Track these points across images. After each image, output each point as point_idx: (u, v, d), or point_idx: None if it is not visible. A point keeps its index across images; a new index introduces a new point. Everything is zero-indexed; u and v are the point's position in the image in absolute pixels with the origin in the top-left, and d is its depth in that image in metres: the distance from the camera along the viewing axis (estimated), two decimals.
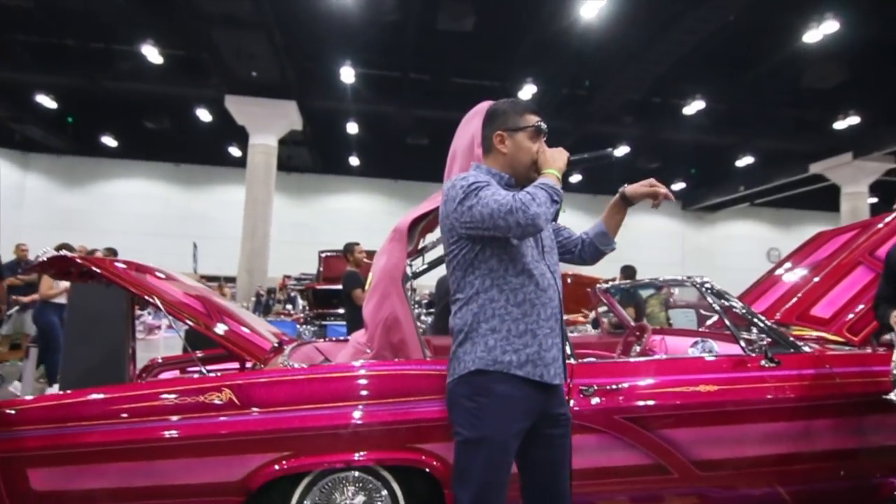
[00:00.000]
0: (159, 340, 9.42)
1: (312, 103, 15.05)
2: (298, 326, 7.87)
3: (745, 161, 18.34)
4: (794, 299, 2.72)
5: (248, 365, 2.27)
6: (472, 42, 11.85)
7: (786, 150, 17.18)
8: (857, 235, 2.81)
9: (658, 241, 23.25)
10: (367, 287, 2.31)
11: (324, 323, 7.74)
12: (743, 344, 2.24)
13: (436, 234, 2.16)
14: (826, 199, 18.72)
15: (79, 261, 2.01)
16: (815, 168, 17.16)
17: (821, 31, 10.47)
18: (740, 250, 23.95)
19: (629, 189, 1.94)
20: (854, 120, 14.27)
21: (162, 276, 2.28)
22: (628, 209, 2.01)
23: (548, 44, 11.84)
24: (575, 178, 19.01)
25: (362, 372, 2.03)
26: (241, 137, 15.57)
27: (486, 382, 1.67)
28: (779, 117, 15.28)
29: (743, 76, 13.20)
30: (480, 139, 1.87)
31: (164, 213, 21.88)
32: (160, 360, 2.85)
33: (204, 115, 16.34)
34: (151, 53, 12.62)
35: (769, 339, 2.22)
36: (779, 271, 3.22)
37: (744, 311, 2.32)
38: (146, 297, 1.97)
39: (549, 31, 11.29)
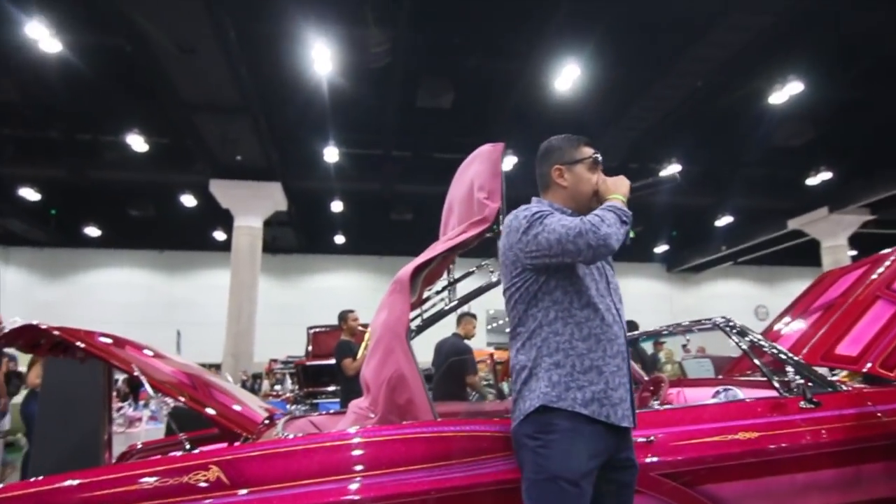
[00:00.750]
0: (140, 433, 8.97)
1: (297, 184, 15.18)
2: (288, 406, 7.53)
3: (724, 221, 18.64)
4: (815, 339, 2.61)
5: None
6: (451, 118, 12.15)
7: (763, 207, 17.52)
8: (868, 271, 2.75)
9: (647, 304, 23.21)
10: (363, 350, 2.17)
11: (315, 401, 7.41)
12: (777, 385, 2.09)
13: (440, 285, 2.04)
14: (807, 254, 18.94)
15: (50, 331, 1.84)
16: (793, 224, 17.46)
17: (786, 92, 10.89)
18: (728, 309, 23.80)
19: None
20: (826, 175, 14.65)
21: (150, 353, 2.12)
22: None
23: (525, 116, 12.18)
24: None
25: (369, 439, 1.82)
26: (226, 221, 15.56)
27: (550, 419, 1.57)
28: (753, 176, 15.66)
29: (716, 138, 13.61)
30: (482, 182, 1.80)
31: (148, 300, 21.50)
32: (140, 446, 2.62)
33: (188, 200, 16.38)
34: (136, 142, 12.76)
35: (804, 379, 2.08)
36: (789, 316, 3.12)
37: (773, 350, 2.19)
38: (127, 370, 1.79)
39: (526, 103, 11.65)
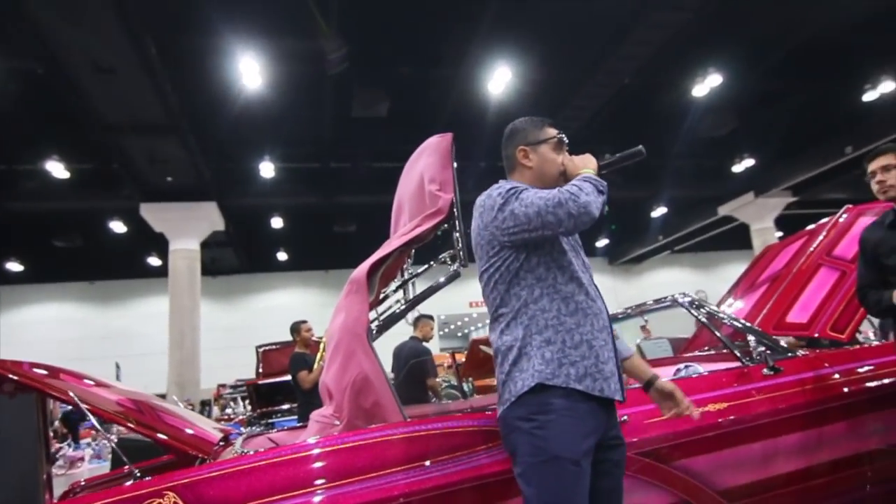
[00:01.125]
0: (83, 473, 8.44)
1: (233, 202, 14.75)
2: (243, 428, 7.22)
3: (659, 211, 19.30)
4: (765, 310, 2.69)
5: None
6: (387, 127, 12.08)
7: (694, 196, 18.23)
8: (807, 242, 2.86)
9: None
10: (318, 361, 2.07)
11: (270, 421, 7.15)
12: (738, 353, 2.13)
13: (398, 282, 1.97)
14: (738, 238, 19.81)
15: None
16: (723, 210, 18.26)
17: (706, 84, 11.39)
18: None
19: (657, 388, 1.79)
20: (750, 162, 15.40)
21: (90, 382, 1.96)
22: None
23: (461, 120, 12.23)
24: None
25: (337, 446, 1.70)
26: (161, 245, 14.95)
27: (545, 399, 1.51)
28: (683, 167, 16.27)
29: (645, 132, 14.03)
30: (433, 174, 1.75)
31: (83, 335, 20.40)
32: (83, 483, 2.42)
33: (118, 226, 15.66)
34: (57, 169, 12.12)
35: (765, 347, 2.13)
36: (738, 291, 3.22)
37: (731, 320, 2.24)
38: (64, 399, 1.64)
39: (461, 107, 11.71)
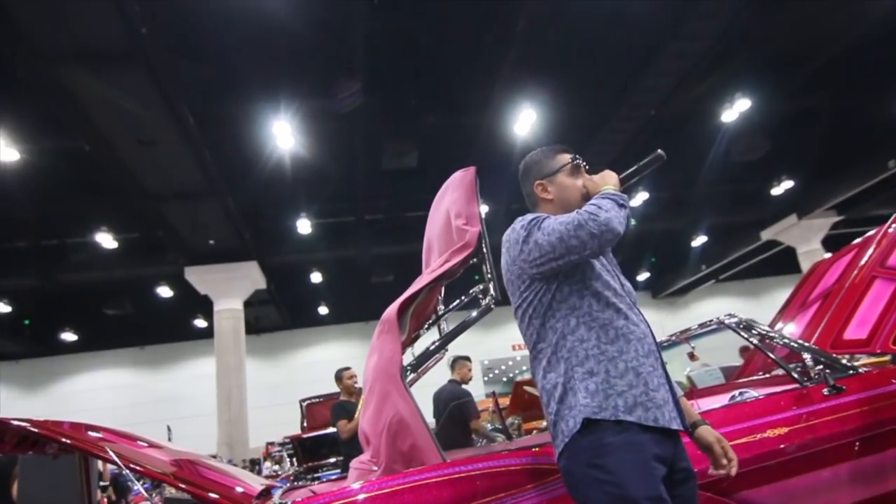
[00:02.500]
0: None
1: (273, 260, 15.08)
2: (289, 483, 7.10)
3: (700, 240, 18.88)
4: (820, 329, 2.54)
5: None
6: (418, 176, 12.25)
7: (734, 222, 17.82)
8: (857, 255, 2.73)
9: None
10: (360, 407, 2.03)
11: (316, 475, 7.05)
12: (796, 375, 2.00)
13: (432, 319, 1.93)
14: (785, 262, 19.18)
15: (13, 424, 1.68)
16: (766, 235, 17.75)
17: (735, 109, 11.28)
18: None
19: (697, 436, 1.64)
20: (789, 183, 15.03)
21: (138, 442, 1.97)
22: None
23: (490, 164, 12.33)
24: None
25: (374, 492, 1.64)
26: (206, 307, 15.29)
27: (600, 438, 1.42)
28: (720, 194, 15.98)
29: (677, 162, 13.90)
30: (459, 209, 1.74)
31: (134, 400, 20.79)
32: None
33: (165, 291, 16.13)
34: (105, 240, 12.64)
35: (824, 365, 1.99)
36: (788, 311, 3.07)
37: (784, 340, 2.11)
38: (101, 456, 1.63)
39: (489, 152, 11.84)
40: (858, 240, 2.88)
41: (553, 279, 1.58)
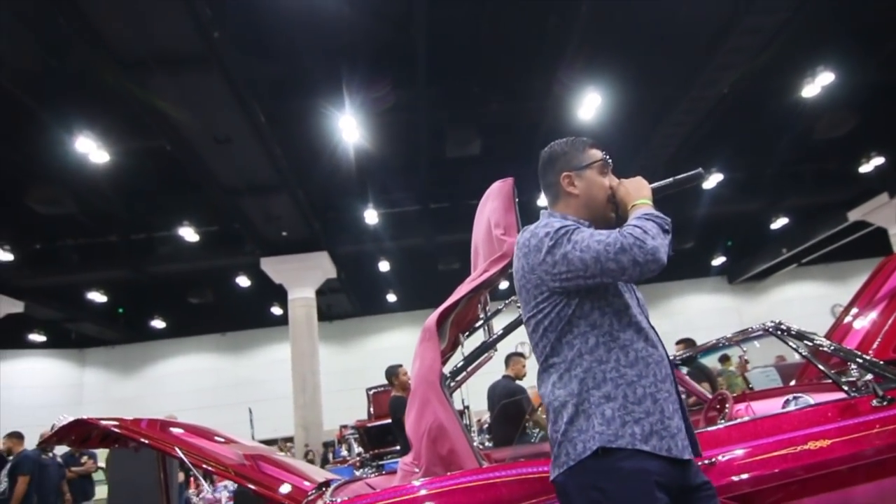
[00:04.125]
0: None
1: (342, 250, 15.51)
2: (355, 471, 7.43)
3: (780, 223, 17.93)
4: (884, 331, 2.42)
5: None
6: (481, 163, 12.26)
7: (819, 203, 16.81)
8: None
9: (712, 320, 22.31)
10: None
11: (381, 462, 7.31)
12: (845, 386, 1.92)
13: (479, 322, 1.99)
14: (876, 244, 17.92)
15: (98, 423, 1.88)
16: (854, 215, 16.65)
17: (817, 84, 10.57)
18: (802, 313, 22.67)
19: None
20: (879, 160, 14.01)
21: (221, 439, 2.14)
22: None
23: None
24: None
25: (410, 494, 1.71)
26: (281, 296, 15.96)
27: (611, 463, 1.37)
28: (802, 173, 15.12)
29: (754, 142, 13.27)
30: (497, 218, 1.78)
31: (216, 384, 22.02)
32: None
33: (243, 281, 16.95)
34: (188, 233, 13.40)
35: (874, 376, 1.91)
36: (854, 309, 2.92)
37: (833, 348, 2.03)
38: (169, 453, 1.80)
39: (553, 138, 11.56)
40: None
41: (574, 293, 1.49)
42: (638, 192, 1.59)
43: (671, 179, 1.70)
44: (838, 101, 11.37)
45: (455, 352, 2.22)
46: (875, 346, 2.44)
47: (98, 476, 7.59)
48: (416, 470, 1.91)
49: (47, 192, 11.19)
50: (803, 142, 13.15)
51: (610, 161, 1.69)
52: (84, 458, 7.12)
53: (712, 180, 14.12)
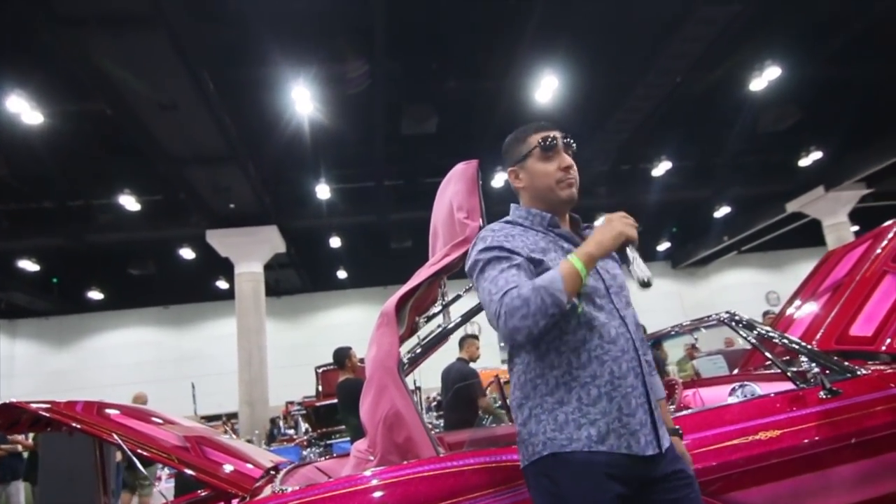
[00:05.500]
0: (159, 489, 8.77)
1: (292, 224, 15.19)
2: (302, 451, 7.35)
3: (723, 211, 18.57)
4: (827, 323, 2.52)
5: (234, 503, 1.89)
6: (437, 142, 12.19)
7: (759, 193, 17.46)
8: (871, 246, 2.67)
9: (657, 304, 23.01)
10: None
11: (329, 442, 7.26)
12: (792, 376, 1.99)
13: (433, 311, 1.96)
14: (810, 234, 18.84)
15: (28, 407, 1.75)
16: (791, 206, 17.38)
17: (765, 77, 10.91)
18: (740, 299, 23.73)
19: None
20: (818, 154, 14.63)
21: (160, 420, 2.04)
22: None
23: (510, 132, 12.18)
24: None
25: (367, 484, 1.68)
26: (227, 269, 15.54)
27: (563, 458, 1.38)
28: (746, 164, 15.64)
29: (703, 131, 13.61)
30: (460, 201, 1.73)
31: (158, 357, 21.41)
32: None
33: (187, 253, 16.41)
34: (129, 202, 12.84)
35: (820, 367, 1.98)
36: (797, 300, 3.03)
37: (783, 340, 2.09)
38: (107, 440, 1.69)
39: (510, 119, 11.67)
40: (875, 230, 2.82)
41: None
42: (588, 244, 1.45)
43: (635, 256, 1.45)
44: (784, 96, 11.77)
45: (412, 337, 2.17)
46: (818, 337, 2.54)
47: None
48: (371, 458, 1.87)
49: None
50: (749, 134, 13.57)
51: (554, 140, 1.59)
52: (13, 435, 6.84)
53: (661, 168, 14.48)
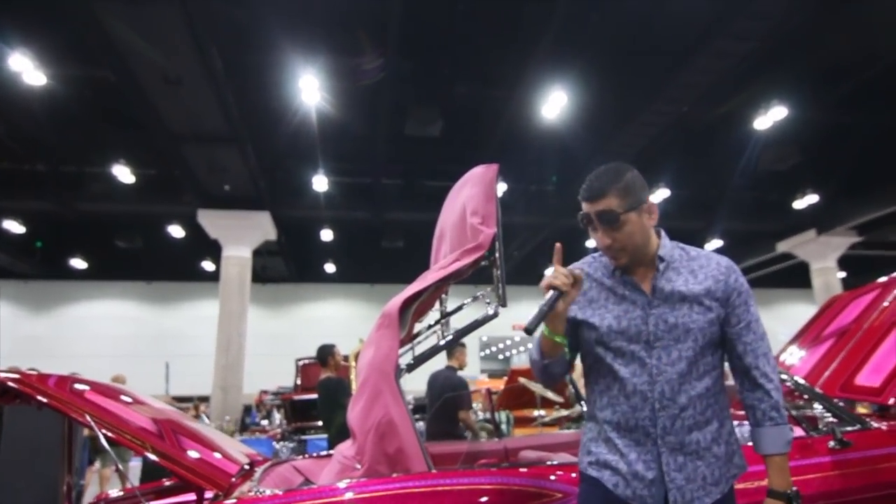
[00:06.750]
0: (131, 469, 8.61)
1: (286, 213, 15.04)
2: (275, 444, 7.21)
3: (713, 244, 18.63)
4: (831, 369, 2.46)
5: (208, 495, 1.79)
6: (440, 146, 12.14)
7: (752, 230, 17.56)
8: (880, 296, 2.62)
9: None
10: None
11: (303, 437, 7.12)
12: (805, 424, 1.92)
13: (432, 318, 1.88)
14: (797, 276, 18.96)
15: None
16: (781, 247, 17.48)
17: (770, 117, 10.97)
18: None
19: None
20: (813, 198, 14.71)
21: (128, 399, 1.94)
22: None
23: (513, 143, 12.19)
24: None
25: (354, 496, 1.59)
26: (215, 251, 15.36)
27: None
28: (741, 200, 15.71)
29: (703, 162, 13.67)
30: (476, 206, 1.66)
31: (137, 333, 21.16)
32: (110, 495, 2.41)
33: (176, 231, 16.20)
34: (123, 173, 12.65)
35: (833, 416, 1.91)
36: (799, 343, 2.98)
37: (794, 382, 2.03)
38: (80, 421, 1.60)
39: (514, 130, 11.66)
40: (883, 279, 2.77)
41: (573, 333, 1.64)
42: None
43: (544, 303, 1.44)
44: (786, 136, 11.84)
45: (412, 342, 2.08)
46: (821, 382, 2.49)
47: None
48: (358, 466, 1.74)
49: None
50: (748, 170, 13.64)
51: (584, 220, 1.61)
52: None
53: (658, 195, 14.49)
